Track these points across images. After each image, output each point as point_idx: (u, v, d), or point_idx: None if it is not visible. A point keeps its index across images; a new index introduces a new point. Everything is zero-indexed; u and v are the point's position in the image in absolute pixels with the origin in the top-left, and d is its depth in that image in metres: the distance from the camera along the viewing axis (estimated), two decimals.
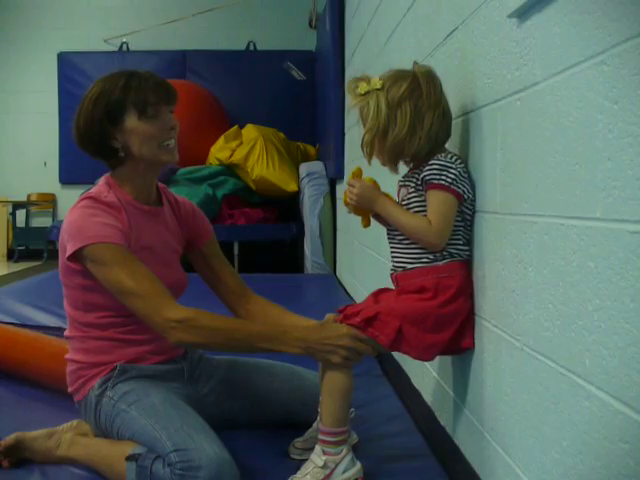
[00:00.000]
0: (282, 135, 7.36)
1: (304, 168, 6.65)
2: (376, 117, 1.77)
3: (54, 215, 9.17)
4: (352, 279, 4.69)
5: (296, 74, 8.23)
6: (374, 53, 3.68)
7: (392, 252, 1.88)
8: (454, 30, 1.99)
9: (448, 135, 1.84)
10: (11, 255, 9.06)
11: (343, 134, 5.49)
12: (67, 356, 2.06)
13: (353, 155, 4.76)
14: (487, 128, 1.71)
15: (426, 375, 2.37)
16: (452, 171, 1.73)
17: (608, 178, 1.09)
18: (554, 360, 1.30)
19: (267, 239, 6.85)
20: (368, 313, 1.79)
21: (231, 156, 6.87)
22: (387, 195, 1.88)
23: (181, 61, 8.58)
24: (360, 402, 2.24)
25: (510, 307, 1.54)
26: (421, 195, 1.79)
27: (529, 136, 1.43)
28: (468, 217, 1.79)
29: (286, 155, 7.01)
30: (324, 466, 1.79)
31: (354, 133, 4.72)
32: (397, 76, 1.80)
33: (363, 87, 1.79)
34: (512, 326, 1.53)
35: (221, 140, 7.09)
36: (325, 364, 1.84)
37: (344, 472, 1.81)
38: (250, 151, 6.82)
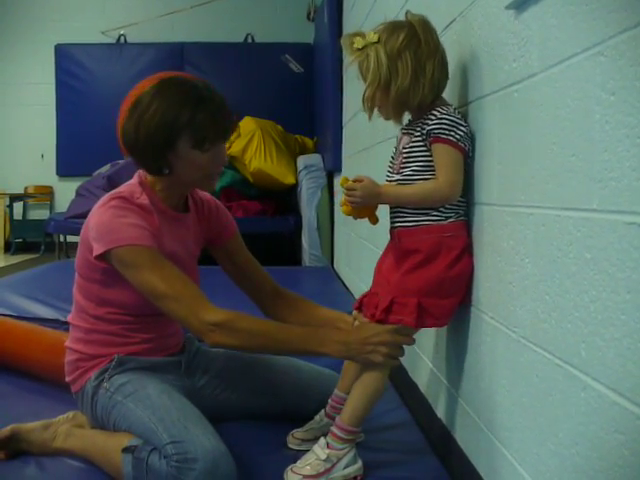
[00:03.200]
0: (280, 128, 7.35)
1: (302, 161, 6.64)
2: (377, 70, 1.73)
3: (51, 207, 9.16)
4: (349, 271, 4.69)
5: (294, 67, 8.23)
6: None
7: (392, 208, 1.86)
8: (452, 22, 1.99)
9: (447, 81, 1.82)
10: (8, 248, 9.06)
11: (341, 127, 5.48)
12: (67, 344, 2.05)
13: (351, 148, 4.76)
14: (485, 120, 1.71)
15: (423, 368, 2.37)
16: (461, 128, 1.72)
17: (605, 169, 1.09)
18: (550, 352, 1.30)
19: (265, 232, 6.83)
20: (384, 304, 1.78)
21: (229, 148, 6.86)
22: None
23: (179, 53, 8.56)
24: None
25: (507, 299, 1.54)
26: (425, 144, 1.76)
27: (526, 128, 1.43)
28: (466, 169, 1.78)
29: (284, 148, 7.00)
30: (326, 459, 1.79)
31: (352, 126, 4.72)
32: (393, 27, 1.76)
33: (359, 42, 1.75)
34: (509, 318, 1.53)
35: None
36: (365, 366, 1.82)
37: (345, 468, 1.80)
38: (248, 143, 6.81)
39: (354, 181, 1.82)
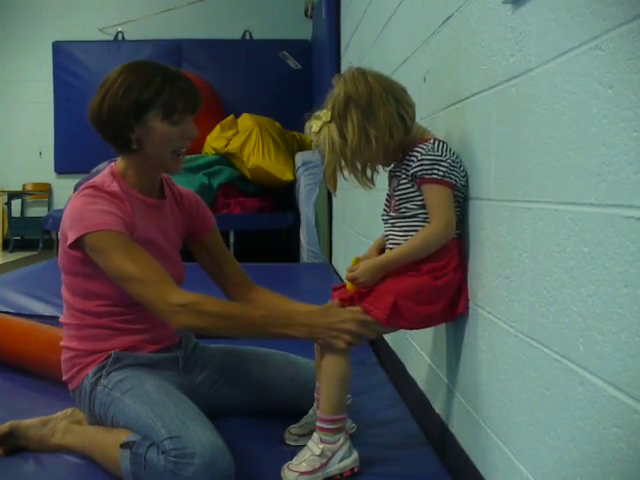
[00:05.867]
0: (278, 124, 7.35)
1: (300, 157, 6.63)
2: (332, 149, 1.76)
3: (49, 205, 9.17)
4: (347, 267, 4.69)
5: (292, 63, 8.23)
6: (369, 42, 3.67)
7: (388, 235, 1.88)
8: (449, 17, 1.98)
9: (412, 109, 1.81)
10: (6, 245, 9.06)
11: None
12: (62, 343, 2.06)
13: None
14: (482, 115, 1.71)
15: (421, 363, 2.37)
16: (443, 164, 1.74)
17: (602, 163, 1.09)
18: (548, 346, 1.30)
19: (263, 228, 6.84)
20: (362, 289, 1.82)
21: (227, 145, 6.86)
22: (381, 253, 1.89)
23: (176, 50, 8.56)
24: (356, 390, 2.23)
25: (505, 294, 1.54)
26: (413, 185, 1.79)
27: (524, 122, 1.43)
28: (460, 200, 1.80)
29: (282, 144, 7.00)
30: (321, 454, 1.79)
31: None
32: (335, 99, 1.77)
33: (317, 124, 1.78)
34: (507, 313, 1.53)
35: (217, 129, 7.08)
36: (325, 349, 1.84)
37: (341, 461, 1.81)
38: (246, 140, 6.81)
39: (351, 270, 1.86)
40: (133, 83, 1.92)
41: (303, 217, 6.21)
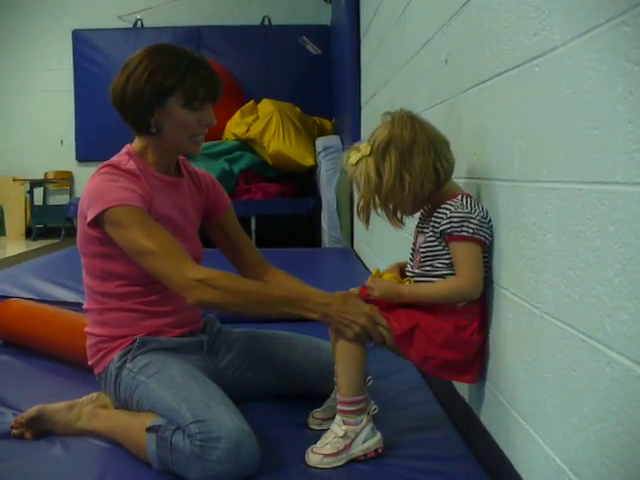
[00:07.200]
0: (298, 110, 7.34)
1: (320, 142, 6.63)
2: (367, 184, 1.79)
3: (71, 193, 9.22)
4: (369, 252, 4.68)
5: (311, 48, 8.21)
6: (390, 25, 3.65)
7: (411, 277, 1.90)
8: None
9: (451, 168, 1.83)
10: (29, 233, 9.12)
11: (359, 108, 5.46)
12: (86, 329, 2.07)
13: (370, 129, 4.74)
14: (505, 95, 1.69)
15: None
16: (473, 221, 1.75)
17: (629, 141, 1.07)
18: (574, 327, 1.30)
19: (284, 214, 6.85)
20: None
21: (247, 131, 6.87)
22: (406, 281, 1.90)
23: (196, 37, 8.56)
24: (379, 373, 2.24)
25: (529, 275, 1.53)
26: (441, 243, 1.81)
27: (547, 102, 1.41)
28: (485, 259, 1.81)
29: (302, 129, 7.00)
30: (344, 436, 1.80)
31: (370, 106, 4.70)
32: (377, 135, 1.81)
33: (355, 156, 1.81)
34: (531, 294, 1.52)
35: (237, 115, 7.08)
36: (337, 334, 1.85)
37: (364, 442, 1.81)
38: (266, 126, 6.82)
39: (373, 279, 1.89)
40: (157, 68, 1.94)
41: (324, 202, 6.21)
